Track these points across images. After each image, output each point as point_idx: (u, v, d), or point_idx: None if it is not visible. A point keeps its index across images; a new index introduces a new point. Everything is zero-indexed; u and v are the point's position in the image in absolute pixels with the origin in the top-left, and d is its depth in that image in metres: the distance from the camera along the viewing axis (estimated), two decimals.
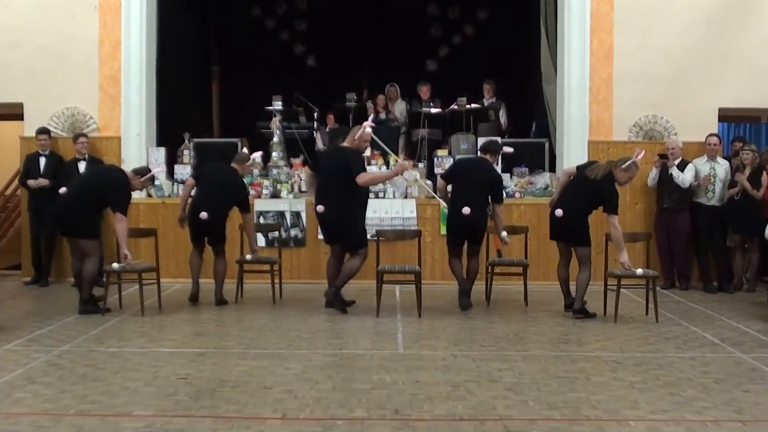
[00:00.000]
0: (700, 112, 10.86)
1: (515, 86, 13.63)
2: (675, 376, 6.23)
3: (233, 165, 9.30)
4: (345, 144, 8.79)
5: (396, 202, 10.75)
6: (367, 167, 11.20)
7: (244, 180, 9.62)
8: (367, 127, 8.76)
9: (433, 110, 12.74)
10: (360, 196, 8.68)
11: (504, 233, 8.72)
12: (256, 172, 11.08)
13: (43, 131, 10.59)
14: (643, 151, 8.73)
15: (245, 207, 9.23)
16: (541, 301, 9.48)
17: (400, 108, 13.48)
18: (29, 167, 10.55)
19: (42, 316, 8.47)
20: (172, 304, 9.10)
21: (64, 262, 10.75)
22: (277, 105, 12.48)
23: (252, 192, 10.63)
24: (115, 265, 8.54)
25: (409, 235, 8.69)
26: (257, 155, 10.06)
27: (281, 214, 10.72)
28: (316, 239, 10.61)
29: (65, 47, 10.90)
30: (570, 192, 8.58)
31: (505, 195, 9.50)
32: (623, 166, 8.35)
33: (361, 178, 8.36)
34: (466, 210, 8.47)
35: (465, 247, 8.82)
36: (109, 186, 8.57)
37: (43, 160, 10.52)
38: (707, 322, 8.36)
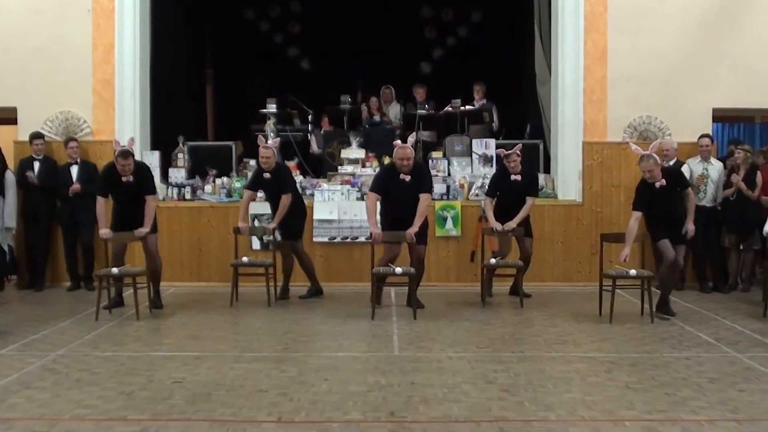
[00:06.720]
0: (694, 112, 10.84)
1: (509, 87, 13.63)
2: (670, 376, 6.24)
3: None
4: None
5: None
6: (362, 169, 11.29)
7: None
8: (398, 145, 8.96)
9: (428, 112, 12.74)
10: None
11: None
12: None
13: (38, 136, 10.57)
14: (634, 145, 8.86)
15: None
16: (536, 302, 9.48)
17: (394, 110, 13.46)
18: (23, 172, 10.52)
19: (37, 320, 8.44)
20: (167, 307, 9.08)
21: (59, 267, 10.73)
22: (272, 108, 12.47)
23: None
24: (114, 269, 8.56)
25: (404, 238, 8.70)
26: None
27: None
28: (312, 242, 10.58)
29: (58, 51, 10.85)
30: None
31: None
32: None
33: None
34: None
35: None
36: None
37: (37, 165, 10.52)
38: (702, 322, 8.36)
